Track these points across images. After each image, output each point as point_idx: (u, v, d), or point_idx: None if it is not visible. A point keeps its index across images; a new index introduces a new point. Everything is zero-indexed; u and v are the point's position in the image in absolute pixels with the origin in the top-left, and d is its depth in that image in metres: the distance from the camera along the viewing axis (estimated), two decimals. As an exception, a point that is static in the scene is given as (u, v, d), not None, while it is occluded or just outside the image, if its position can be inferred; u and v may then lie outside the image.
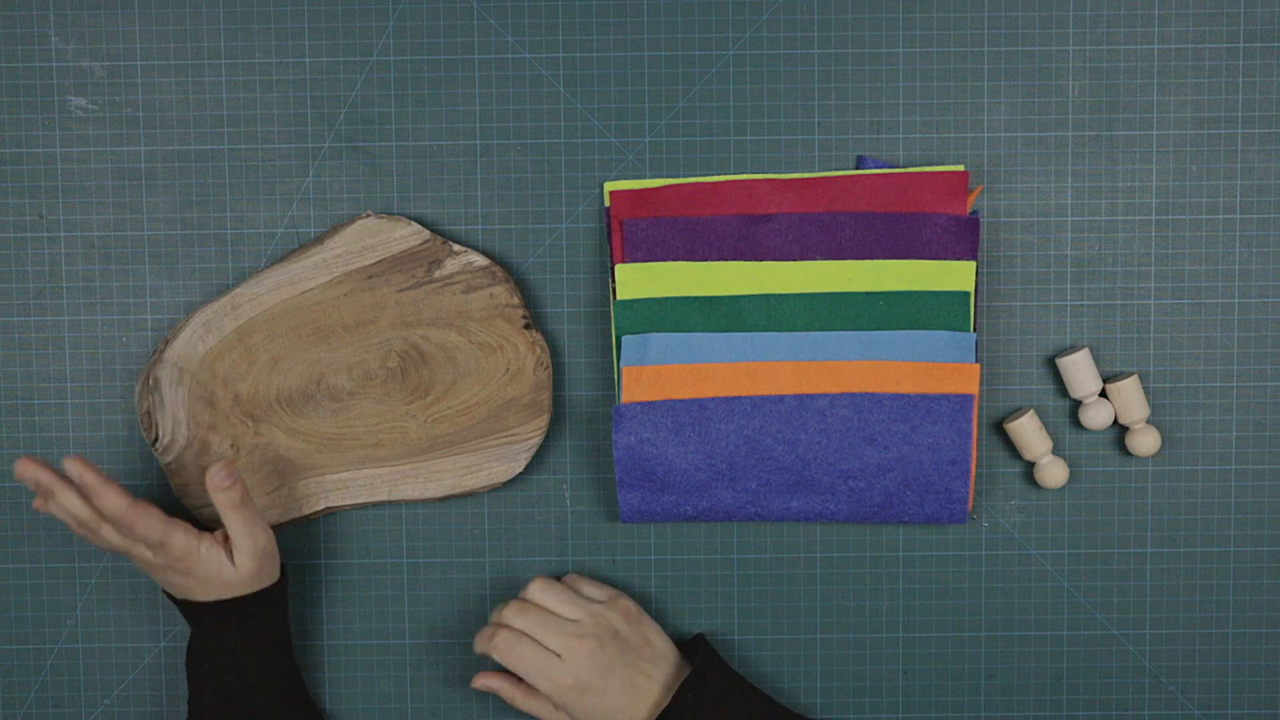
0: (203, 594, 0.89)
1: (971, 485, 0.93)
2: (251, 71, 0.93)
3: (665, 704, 0.89)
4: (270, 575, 0.90)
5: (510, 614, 0.90)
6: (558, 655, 0.88)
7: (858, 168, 0.93)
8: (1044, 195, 0.94)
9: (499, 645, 0.89)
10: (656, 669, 0.90)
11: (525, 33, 0.93)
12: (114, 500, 0.84)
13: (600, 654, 0.88)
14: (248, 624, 0.89)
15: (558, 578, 0.95)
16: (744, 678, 0.93)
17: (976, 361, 0.92)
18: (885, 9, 0.93)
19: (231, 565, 0.88)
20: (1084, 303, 0.94)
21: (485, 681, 0.92)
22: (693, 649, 0.94)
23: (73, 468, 0.83)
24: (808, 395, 0.92)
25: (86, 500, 0.85)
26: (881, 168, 0.93)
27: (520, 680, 0.92)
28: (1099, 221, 0.94)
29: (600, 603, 0.91)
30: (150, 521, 0.85)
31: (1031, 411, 0.93)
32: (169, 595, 0.91)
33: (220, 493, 0.87)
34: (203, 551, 0.87)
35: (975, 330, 0.93)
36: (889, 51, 0.93)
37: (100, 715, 0.97)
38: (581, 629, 0.89)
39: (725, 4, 0.93)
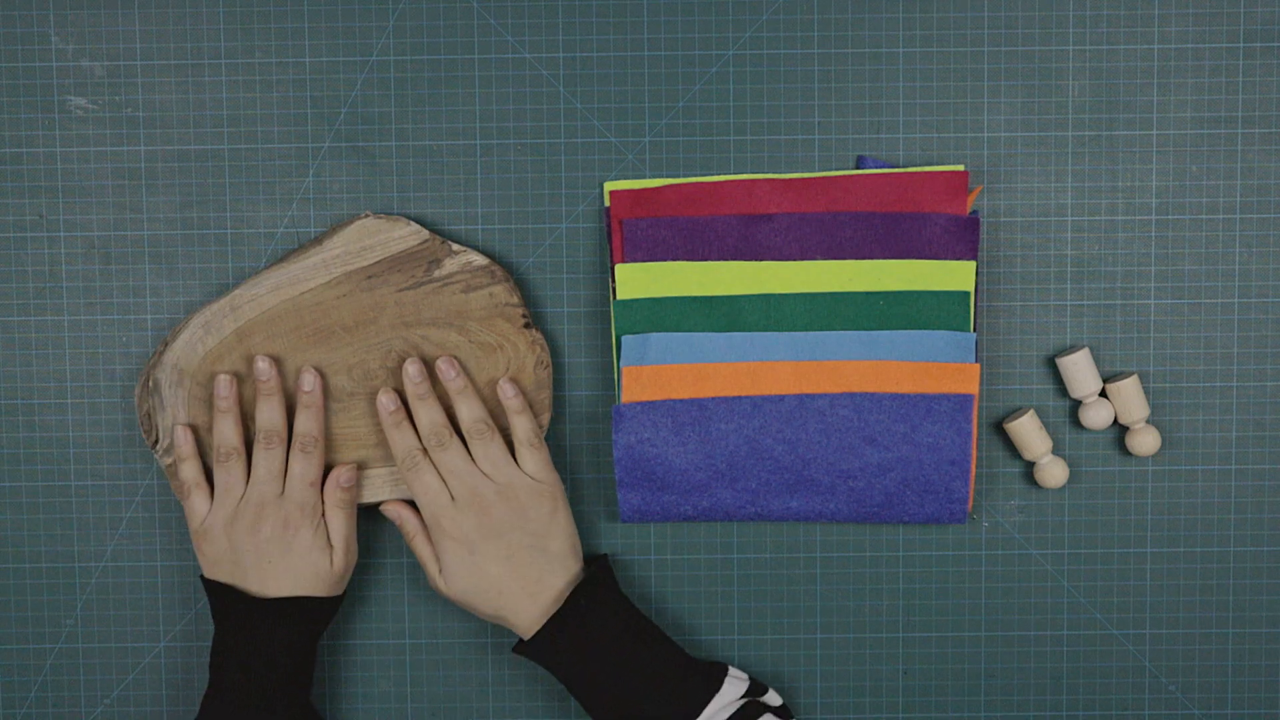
0: (269, 583, 0.88)
1: (971, 485, 0.93)
2: (251, 71, 0.93)
3: (554, 612, 0.88)
4: (340, 588, 0.91)
5: (435, 444, 0.89)
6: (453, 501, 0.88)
7: (858, 168, 0.93)
8: (1044, 195, 0.94)
9: (407, 465, 0.88)
10: (551, 571, 0.89)
11: (525, 33, 0.93)
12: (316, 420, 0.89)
13: (492, 526, 0.88)
14: (298, 626, 0.88)
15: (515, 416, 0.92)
16: (632, 603, 0.91)
17: (976, 361, 0.92)
18: (885, 9, 0.93)
19: (329, 560, 0.89)
20: (1084, 303, 0.94)
21: (394, 509, 0.91)
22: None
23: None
24: (808, 395, 0.92)
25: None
26: (881, 168, 0.93)
27: (422, 521, 0.91)
28: (1099, 221, 0.94)
29: (530, 478, 0.90)
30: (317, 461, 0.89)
31: (1031, 411, 0.93)
32: (211, 584, 0.89)
33: (341, 491, 0.90)
34: (314, 531, 0.88)
35: (975, 330, 0.93)
36: (889, 51, 0.93)
37: (100, 715, 0.97)
38: (491, 490, 0.88)
39: (725, 4, 0.93)
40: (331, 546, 0.90)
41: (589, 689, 0.88)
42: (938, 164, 0.93)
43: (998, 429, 0.95)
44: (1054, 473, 0.93)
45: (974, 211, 0.93)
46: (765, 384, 0.92)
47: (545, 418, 0.93)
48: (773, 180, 0.92)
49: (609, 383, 0.95)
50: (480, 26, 0.93)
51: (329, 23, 0.93)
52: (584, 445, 0.95)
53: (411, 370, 0.90)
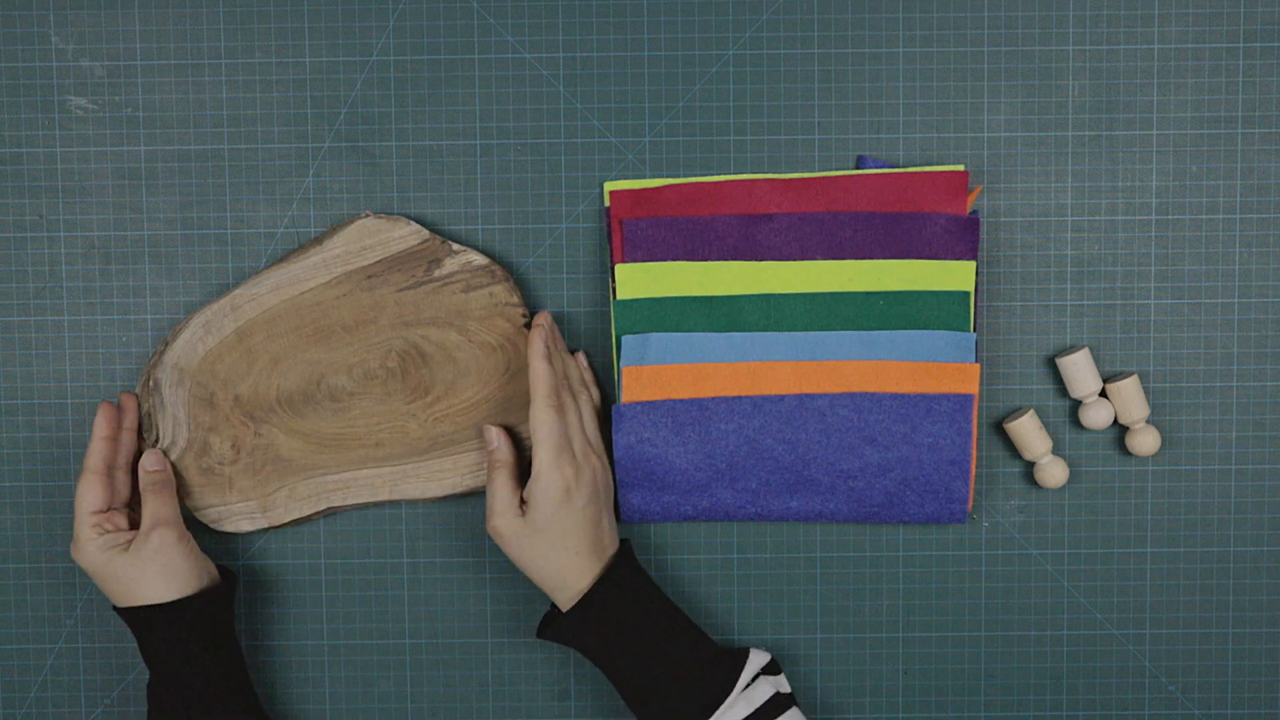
0: (148, 591, 0.88)
1: (971, 485, 0.93)
2: (251, 71, 0.93)
3: (585, 591, 0.88)
4: (208, 577, 0.90)
5: (579, 389, 0.90)
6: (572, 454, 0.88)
7: (858, 167, 0.93)
8: (1044, 195, 0.94)
9: (550, 400, 0.87)
10: (607, 549, 0.89)
11: (525, 33, 0.93)
12: (157, 457, 0.91)
13: (591, 486, 0.88)
14: (196, 625, 0.88)
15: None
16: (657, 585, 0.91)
17: (976, 361, 0.92)
18: (885, 9, 0.93)
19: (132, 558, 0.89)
20: (1084, 303, 0.94)
21: (495, 432, 0.90)
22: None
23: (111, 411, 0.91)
24: (808, 395, 0.92)
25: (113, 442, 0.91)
26: (881, 167, 0.93)
27: (517, 459, 0.91)
28: (1099, 221, 0.94)
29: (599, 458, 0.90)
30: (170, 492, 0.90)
31: (1031, 411, 0.93)
32: (120, 611, 0.89)
33: (149, 471, 0.91)
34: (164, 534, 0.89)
35: (975, 330, 0.93)
36: (889, 51, 0.93)
37: (100, 715, 0.97)
38: (595, 456, 0.89)
39: (725, 4, 0.93)
40: (142, 542, 0.89)
41: (619, 668, 0.88)
42: (938, 164, 0.93)
43: (998, 429, 0.95)
44: (1054, 473, 0.93)
45: (974, 211, 0.93)
46: (765, 384, 0.92)
47: (545, 418, 0.93)
48: (773, 180, 0.92)
49: (609, 383, 0.95)
50: (480, 26, 0.93)
51: (329, 23, 0.93)
52: (584, 445, 0.95)
53: (545, 322, 0.90)
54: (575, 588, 0.88)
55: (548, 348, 0.88)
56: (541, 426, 0.86)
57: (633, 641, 0.87)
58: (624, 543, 0.90)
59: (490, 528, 0.88)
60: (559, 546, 0.87)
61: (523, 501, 0.88)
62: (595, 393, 0.93)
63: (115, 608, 0.89)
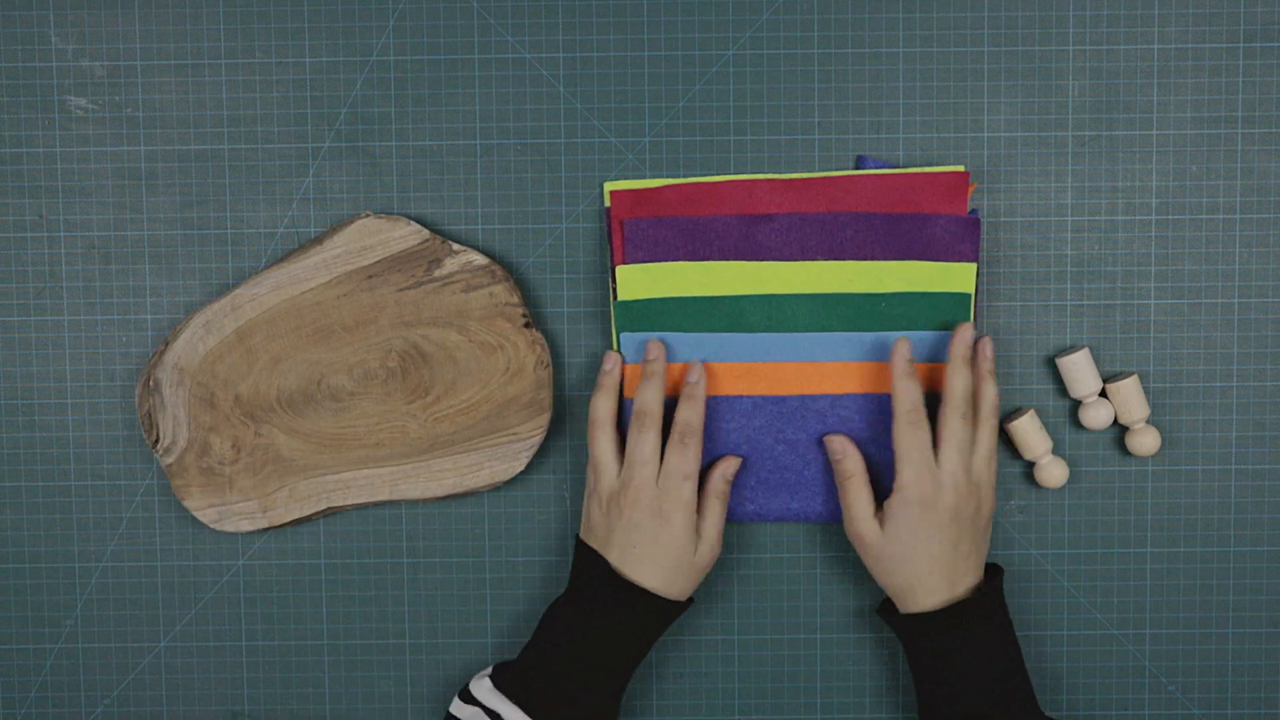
0: (627, 564, 0.87)
1: (971, 485, 0.93)
2: (251, 71, 0.93)
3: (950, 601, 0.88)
4: (692, 587, 0.90)
5: (952, 410, 0.87)
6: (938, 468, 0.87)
7: (858, 167, 0.93)
8: (1044, 195, 0.94)
9: (911, 418, 0.86)
10: (970, 574, 0.88)
11: (525, 33, 0.93)
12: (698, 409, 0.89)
13: (952, 510, 0.87)
14: (638, 617, 0.87)
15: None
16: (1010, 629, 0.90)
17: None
18: (885, 9, 0.93)
19: (693, 549, 0.88)
20: (1084, 303, 0.94)
21: (841, 443, 0.90)
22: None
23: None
24: (808, 396, 0.92)
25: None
26: (881, 167, 0.93)
27: (860, 460, 0.90)
28: (1099, 221, 0.94)
29: (986, 477, 0.89)
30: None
31: (1031, 411, 0.93)
32: (582, 545, 0.89)
33: (724, 483, 0.90)
34: (684, 522, 0.88)
35: (976, 332, 0.92)
36: (889, 51, 0.93)
37: (100, 715, 0.97)
38: (965, 481, 0.87)
39: (725, 4, 0.93)
40: (699, 537, 0.89)
41: (932, 692, 0.87)
42: (938, 164, 0.93)
43: (998, 429, 0.95)
44: (1054, 473, 0.93)
45: (973, 210, 0.93)
46: (765, 385, 0.92)
47: (545, 418, 0.93)
48: (773, 180, 0.92)
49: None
50: (480, 26, 0.93)
51: (329, 23, 0.93)
52: (584, 445, 0.95)
53: (905, 349, 0.89)
54: (921, 605, 0.88)
55: (910, 364, 0.88)
56: (900, 444, 0.87)
57: (959, 681, 0.87)
58: (996, 581, 0.88)
59: (850, 533, 0.89)
60: (908, 562, 0.87)
61: (881, 509, 0.89)
62: (994, 424, 0.89)
63: (606, 565, 0.88)
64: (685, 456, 0.88)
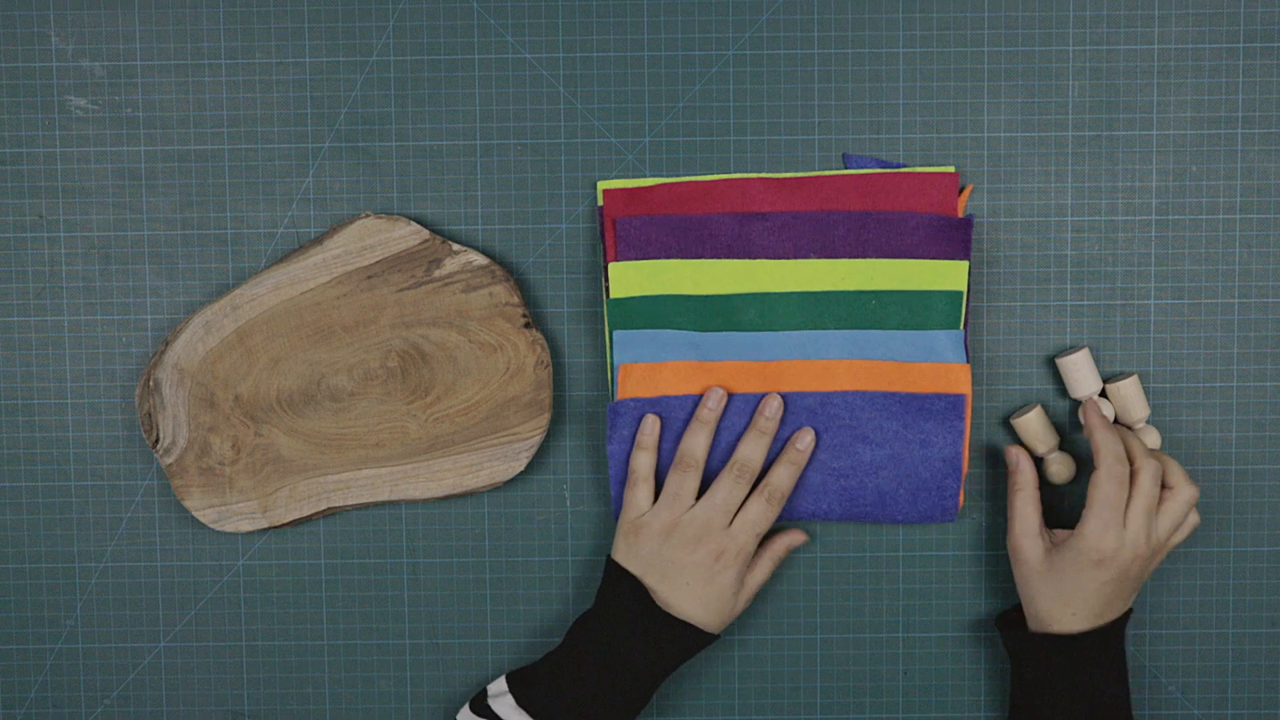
0: (674, 600, 0.89)
1: (962, 484, 0.93)
2: (251, 71, 0.93)
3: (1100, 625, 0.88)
4: (719, 629, 0.91)
5: (1141, 470, 0.87)
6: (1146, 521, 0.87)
7: (845, 166, 0.93)
8: (1044, 195, 0.94)
9: (1109, 468, 0.86)
10: (1097, 618, 0.88)
11: (525, 33, 0.93)
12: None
13: (1117, 572, 0.86)
14: (674, 647, 0.89)
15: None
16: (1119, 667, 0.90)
17: (968, 361, 0.92)
18: (885, 9, 0.93)
19: (734, 603, 0.90)
20: (1084, 303, 0.94)
21: (1017, 454, 0.91)
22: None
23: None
24: (800, 393, 0.92)
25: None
26: (867, 165, 0.93)
27: (1038, 481, 0.91)
28: (1099, 221, 0.94)
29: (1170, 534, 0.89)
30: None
31: (1039, 407, 0.93)
32: (620, 568, 0.90)
33: (784, 550, 0.93)
34: (738, 573, 0.90)
35: (965, 329, 0.92)
36: (889, 51, 0.93)
37: (100, 715, 0.97)
38: (1152, 540, 0.87)
39: (725, 4, 0.93)
40: (741, 588, 0.91)
41: (1038, 704, 0.88)
42: (937, 164, 0.93)
43: (1004, 426, 0.95)
44: (1060, 469, 0.93)
45: (968, 215, 0.93)
46: (758, 382, 0.92)
47: (545, 418, 0.93)
48: (765, 179, 0.92)
49: (603, 381, 0.95)
50: (480, 26, 0.93)
51: (329, 23, 0.93)
52: (583, 445, 0.95)
53: (1097, 406, 0.89)
54: (1051, 630, 0.88)
55: (1103, 418, 0.88)
56: (1096, 493, 0.86)
57: (1050, 711, 0.87)
58: (1118, 620, 0.88)
59: (1012, 545, 0.89)
60: (1059, 598, 0.87)
61: (1050, 530, 0.90)
62: (1190, 493, 0.89)
63: (650, 597, 0.89)
64: (766, 514, 0.89)
